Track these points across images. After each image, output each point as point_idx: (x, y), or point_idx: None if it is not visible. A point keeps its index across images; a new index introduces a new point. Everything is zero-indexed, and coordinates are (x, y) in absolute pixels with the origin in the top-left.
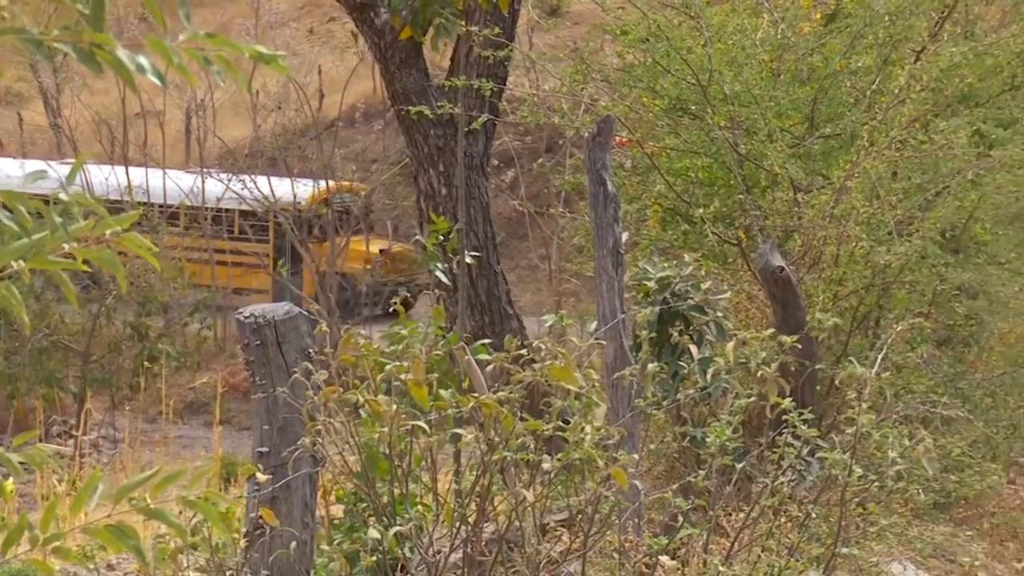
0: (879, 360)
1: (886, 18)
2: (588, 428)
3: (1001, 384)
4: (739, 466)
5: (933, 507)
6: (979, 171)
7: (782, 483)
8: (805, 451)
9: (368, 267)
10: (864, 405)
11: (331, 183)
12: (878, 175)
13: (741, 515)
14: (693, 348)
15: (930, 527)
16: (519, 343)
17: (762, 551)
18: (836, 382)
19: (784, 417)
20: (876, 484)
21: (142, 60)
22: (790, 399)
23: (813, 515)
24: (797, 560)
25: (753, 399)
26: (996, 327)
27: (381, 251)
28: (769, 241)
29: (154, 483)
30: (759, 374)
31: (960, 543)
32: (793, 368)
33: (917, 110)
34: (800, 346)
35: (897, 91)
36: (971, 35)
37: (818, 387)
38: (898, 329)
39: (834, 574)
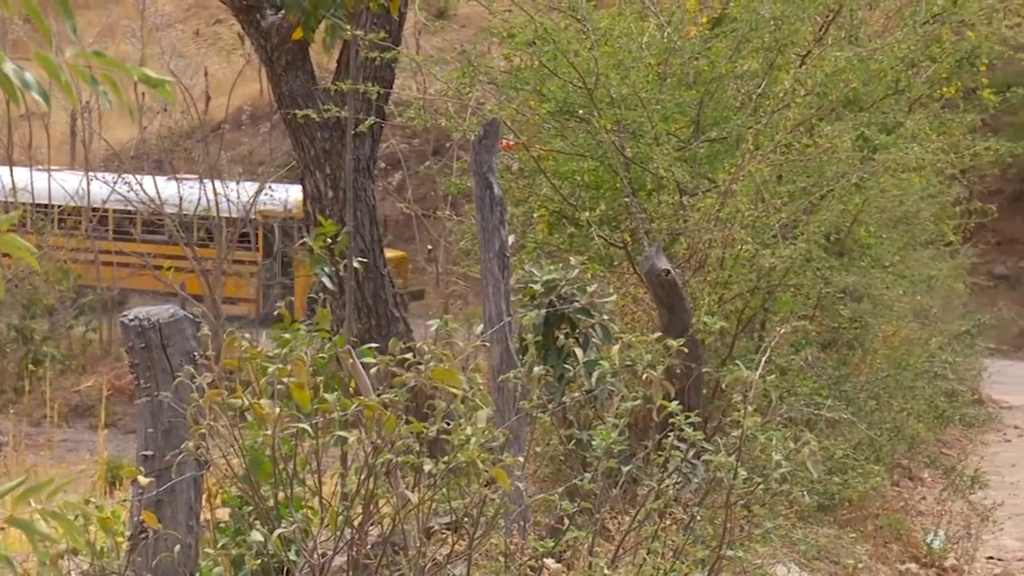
0: (763, 363)
1: (771, 23)
2: (471, 431)
3: (885, 386)
4: (625, 469)
5: (818, 509)
6: (863, 175)
7: (668, 486)
8: (691, 454)
9: None
10: (749, 408)
11: None
12: (763, 178)
13: (627, 518)
14: (578, 351)
15: (815, 529)
16: (404, 346)
17: (647, 554)
18: (722, 385)
19: (670, 420)
20: (761, 486)
21: (28, 77)
22: (676, 402)
23: (698, 517)
24: (682, 563)
25: (639, 402)
26: (880, 330)
27: None
28: (655, 244)
29: (17, 493)
30: (645, 377)
31: (844, 545)
32: (679, 371)
33: (802, 114)
34: (686, 349)
35: (782, 95)
36: (855, 40)
37: (704, 390)
38: (782, 332)
39: None
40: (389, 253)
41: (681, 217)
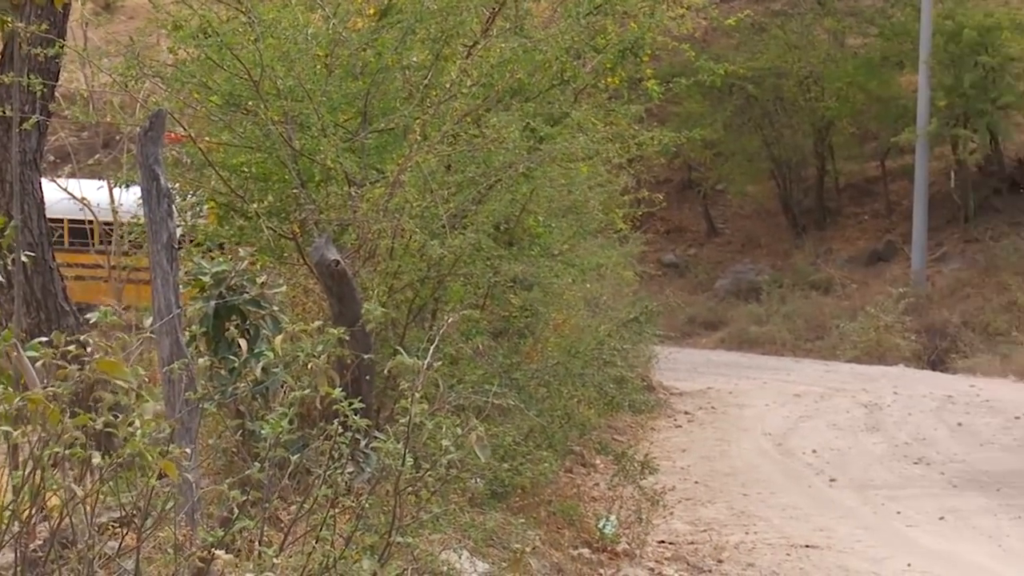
0: (432, 351)
1: (438, 14)
2: (138, 423)
3: (555, 374)
4: (294, 458)
5: (491, 496)
6: (531, 165)
7: (337, 474)
8: (365, 443)
9: None
10: (417, 395)
11: None
12: (431, 169)
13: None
14: (243, 342)
15: (487, 515)
16: (68, 338)
17: (317, 542)
18: (389, 373)
19: (335, 408)
20: (430, 473)
21: None
22: (342, 391)
23: (367, 505)
24: (352, 550)
25: (305, 391)
26: (550, 318)
27: None
28: (324, 235)
29: None
30: (310, 367)
31: (515, 530)
32: (350, 361)
33: (469, 104)
34: (356, 339)
35: (449, 86)
36: (521, 31)
37: (377, 380)
38: (450, 321)
39: (390, 563)
40: None
41: (350, 208)
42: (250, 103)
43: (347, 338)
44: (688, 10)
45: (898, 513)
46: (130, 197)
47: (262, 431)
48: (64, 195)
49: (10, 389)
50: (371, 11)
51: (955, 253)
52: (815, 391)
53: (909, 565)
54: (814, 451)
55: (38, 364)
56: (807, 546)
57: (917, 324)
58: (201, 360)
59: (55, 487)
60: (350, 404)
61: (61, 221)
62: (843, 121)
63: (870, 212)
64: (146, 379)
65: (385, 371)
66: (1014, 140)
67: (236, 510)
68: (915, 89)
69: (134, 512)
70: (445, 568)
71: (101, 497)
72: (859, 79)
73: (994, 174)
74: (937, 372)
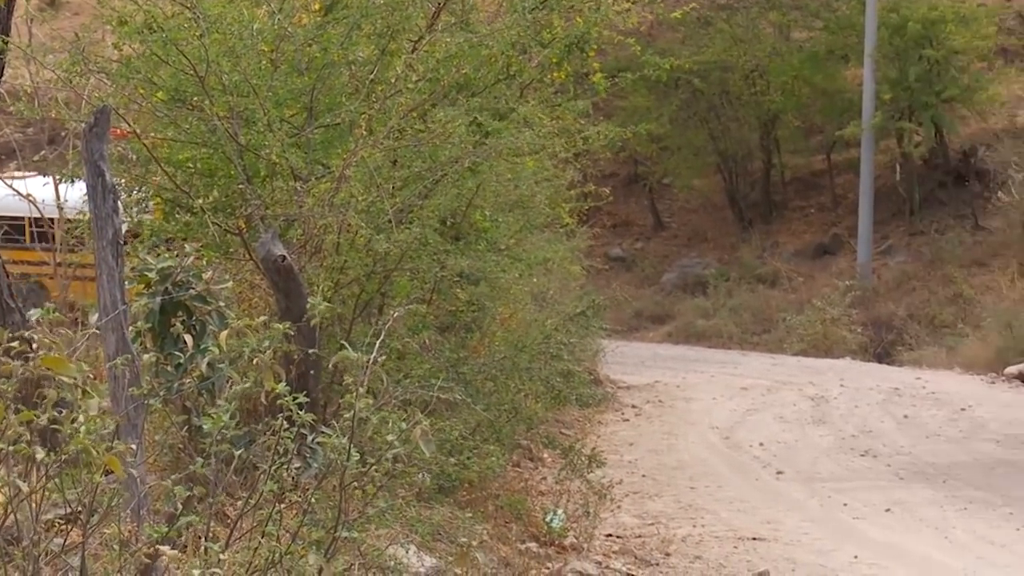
0: (378, 346)
1: (383, 9)
2: (83, 419)
3: (502, 368)
4: (237, 453)
5: (439, 491)
6: (477, 159)
7: (284, 469)
8: (311, 438)
9: None
10: (362, 390)
11: None
12: (377, 164)
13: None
14: (189, 338)
15: (434, 509)
16: (12, 335)
17: (263, 537)
18: (336, 368)
19: (280, 403)
20: (375, 468)
21: None
22: (288, 386)
23: (313, 500)
24: (298, 545)
25: (249, 386)
26: (497, 313)
27: None
28: (270, 230)
29: None
30: (255, 362)
31: (462, 524)
32: (296, 356)
33: (415, 99)
34: (302, 334)
35: (395, 81)
36: (467, 26)
37: (323, 375)
38: (395, 316)
39: (336, 558)
40: None
41: (296, 203)
42: (195, 99)
43: (293, 333)
44: (634, 4)
45: (845, 505)
46: (76, 193)
47: (206, 427)
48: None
49: None
50: (316, 6)
51: (901, 246)
52: (762, 384)
53: (856, 557)
54: (761, 444)
55: None
56: (754, 539)
57: (863, 317)
58: (147, 356)
59: (0, 484)
60: (295, 399)
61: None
62: (789, 115)
63: (816, 205)
64: (91, 375)
65: (330, 366)
66: (959, 133)
67: (181, 506)
68: (860, 82)
69: (79, 508)
70: (392, 563)
71: (46, 494)
72: (804, 73)
73: (939, 167)
74: (883, 365)
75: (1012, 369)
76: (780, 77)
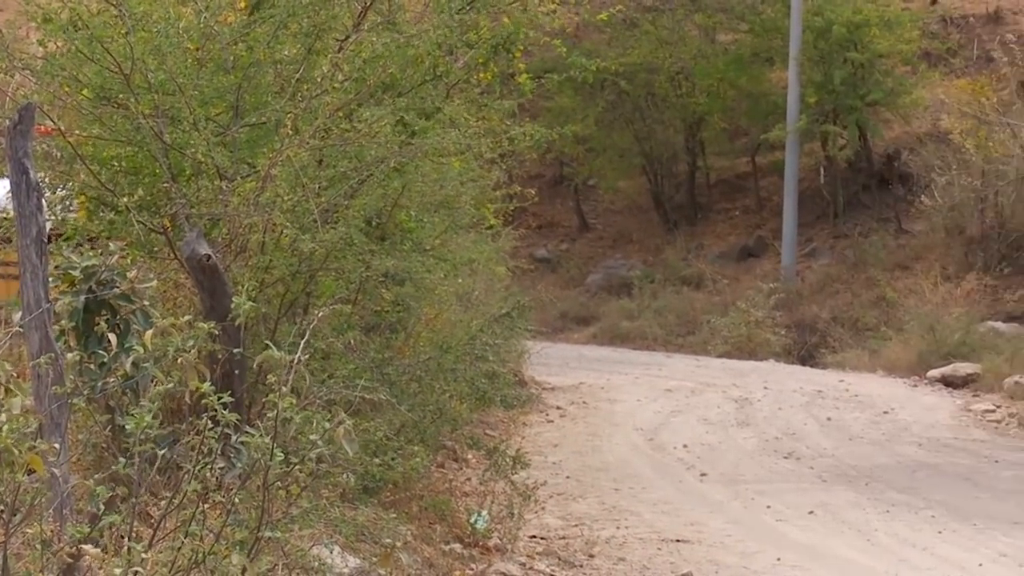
0: (302, 345)
1: (310, 8)
2: (4, 417)
3: (427, 369)
4: (161, 452)
5: (363, 492)
6: (403, 160)
7: (207, 469)
8: (236, 438)
9: None
10: (286, 389)
11: None
12: (302, 163)
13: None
14: (113, 337)
15: (358, 510)
16: None
17: (186, 537)
18: (260, 368)
19: (204, 402)
20: (299, 468)
21: None
22: (212, 385)
23: (237, 500)
24: (222, 545)
25: (173, 385)
26: (422, 313)
27: None
28: (195, 229)
29: None
30: (179, 361)
31: (386, 525)
32: (220, 356)
33: (341, 99)
34: (227, 333)
35: (321, 80)
36: (394, 26)
37: (248, 374)
38: (319, 316)
39: (260, 558)
40: None
41: (221, 202)
42: (121, 96)
43: (218, 333)
44: (560, 5)
45: (768, 507)
46: None
47: (130, 426)
48: None
49: None
50: (242, 5)
51: (825, 249)
52: (686, 386)
53: (779, 559)
54: (685, 446)
55: None
56: (678, 540)
57: (787, 319)
58: (70, 355)
59: None
60: (219, 399)
61: None
62: (714, 117)
63: (741, 208)
64: (15, 374)
65: (255, 366)
66: (883, 137)
67: (104, 505)
68: (785, 85)
69: (1, 508)
70: (316, 563)
71: None
72: (730, 75)
73: (863, 170)
74: (807, 367)
75: (934, 372)
76: (705, 79)
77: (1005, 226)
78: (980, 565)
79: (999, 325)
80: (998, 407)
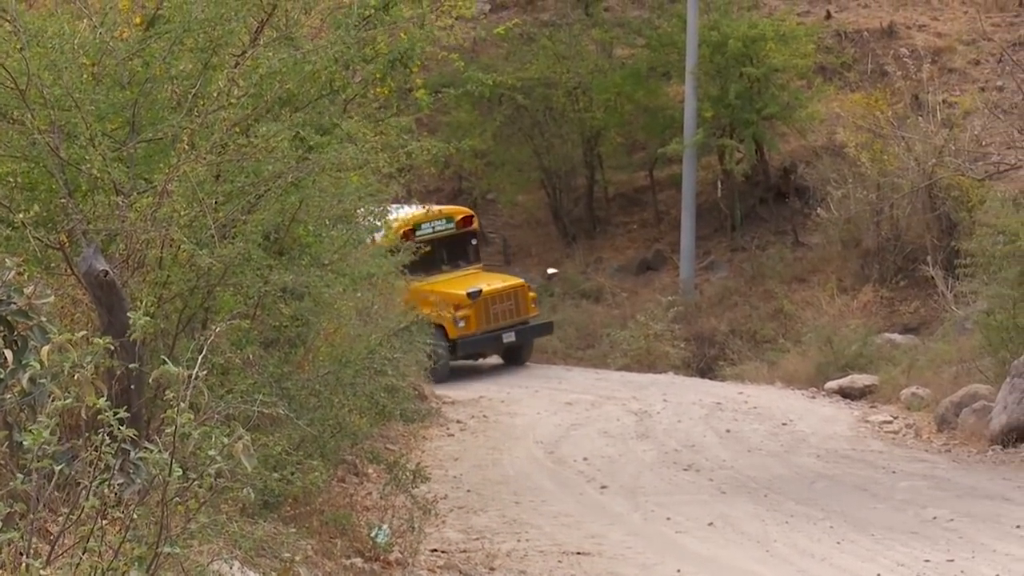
0: (200, 361)
1: (205, 23)
2: None
3: (327, 383)
4: (59, 469)
5: (264, 507)
6: (300, 174)
7: (105, 485)
8: (134, 454)
9: (458, 314)
10: (184, 405)
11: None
12: (200, 178)
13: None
14: (9, 353)
15: (257, 525)
16: None
17: (84, 553)
18: (158, 383)
19: (101, 418)
20: (198, 483)
21: None
22: (109, 401)
23: (135, 516)
24: (120, 561)
25: (70, 401)
26: (322, 327)
27: (469, 294)
28: (92, 245)
29: None
30: (76, 377)
31: (286, 540)
32: (118, 372)
33: (238, 114)
34: (125, 349)
35: (217, 95)
36: (291, 41)
37: (146, 390)
38: (218, 330)
39: (159, 573)
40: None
41: (118, 218)
42: (16, 112)
43: (115, 348)
44: (457, 20)
45: (668, 519)
46: None
47: (27, 442)
48: None
49: None
50: (138, 20)
51: (723, 262)
52: (586, 399)
53: (679, 571)
54: (585, 459)
55: None
56: (578, 553)
57: (686, 332)
58: None
59: None
60: (116, 414)
61: None
62: (611, 131)
63: (639, 221)
64: None
65: (152, 381)
66: (779, 151)
67: (2, 522)
68: (682, 100)
69: None
70: None
71: None
72: (627, 89)
73: (760, 184)
74: (706, 379)
75: (832, 384)
76: (603, 94)
77: (900, 239)
78: (878, 575)
79: (895, 337)
80: (895, 418)
